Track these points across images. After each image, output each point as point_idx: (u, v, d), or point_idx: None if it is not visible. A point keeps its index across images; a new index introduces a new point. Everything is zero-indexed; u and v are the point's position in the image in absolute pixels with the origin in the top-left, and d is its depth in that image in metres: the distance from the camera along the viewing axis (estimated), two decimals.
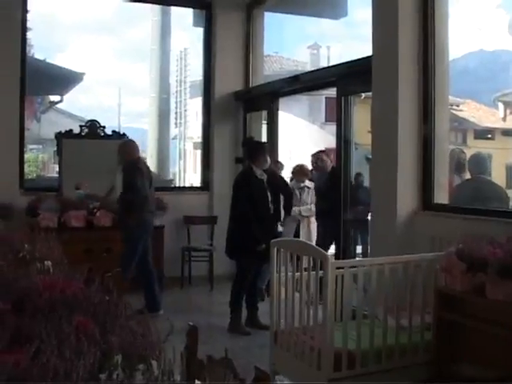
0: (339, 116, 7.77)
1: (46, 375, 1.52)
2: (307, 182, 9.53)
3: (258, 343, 6.80)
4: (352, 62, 7.60)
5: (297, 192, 9.23)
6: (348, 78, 7.63)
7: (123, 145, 8.18)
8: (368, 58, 6.90)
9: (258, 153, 7.42)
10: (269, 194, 7.37)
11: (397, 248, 6.09)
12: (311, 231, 9.39)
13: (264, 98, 9.79)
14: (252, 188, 7.27)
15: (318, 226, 9.43)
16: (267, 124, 9.88)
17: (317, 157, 9.66)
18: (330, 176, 9.24)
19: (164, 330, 1.97)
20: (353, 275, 5.08)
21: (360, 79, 7.32)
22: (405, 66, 6.41)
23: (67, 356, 1.63)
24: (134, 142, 8.33)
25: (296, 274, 5.16)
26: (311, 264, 4.88)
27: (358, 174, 10.82)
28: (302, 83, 9.23)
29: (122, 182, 7.80)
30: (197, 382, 1.90)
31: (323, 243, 8.47)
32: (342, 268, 4.94)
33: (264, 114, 10.17)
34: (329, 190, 8.86)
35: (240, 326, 7.28)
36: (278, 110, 9.70)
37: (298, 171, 9.63)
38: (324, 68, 9.69)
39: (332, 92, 8.29)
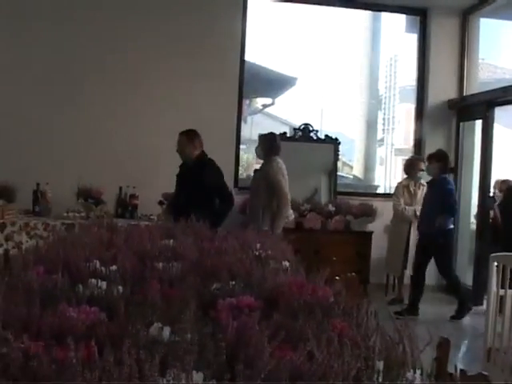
0: None
1: (325, 376, 1.60)
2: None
3: (468, 358, 6.64)
4: None
5: (411, 189, 8.81)
6: None
7: (268, 138, 7.66)
8: None
9: None
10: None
11: None
12: None
13: (479, 108, 9.47)
14: None
15: None
16: (482, 135, 9.52)
17: None
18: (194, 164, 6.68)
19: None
20: None
21: None
22: None
23: (339, 359, 1.69)
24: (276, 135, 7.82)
25: None
26: None
27: None
28: None
29: (267, 181, 7.29)
30: None
31: None
32: None
33: (477, 124, 9.84)
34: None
35: None
36: (493, 121, 9.32)
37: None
38: None
39: None
